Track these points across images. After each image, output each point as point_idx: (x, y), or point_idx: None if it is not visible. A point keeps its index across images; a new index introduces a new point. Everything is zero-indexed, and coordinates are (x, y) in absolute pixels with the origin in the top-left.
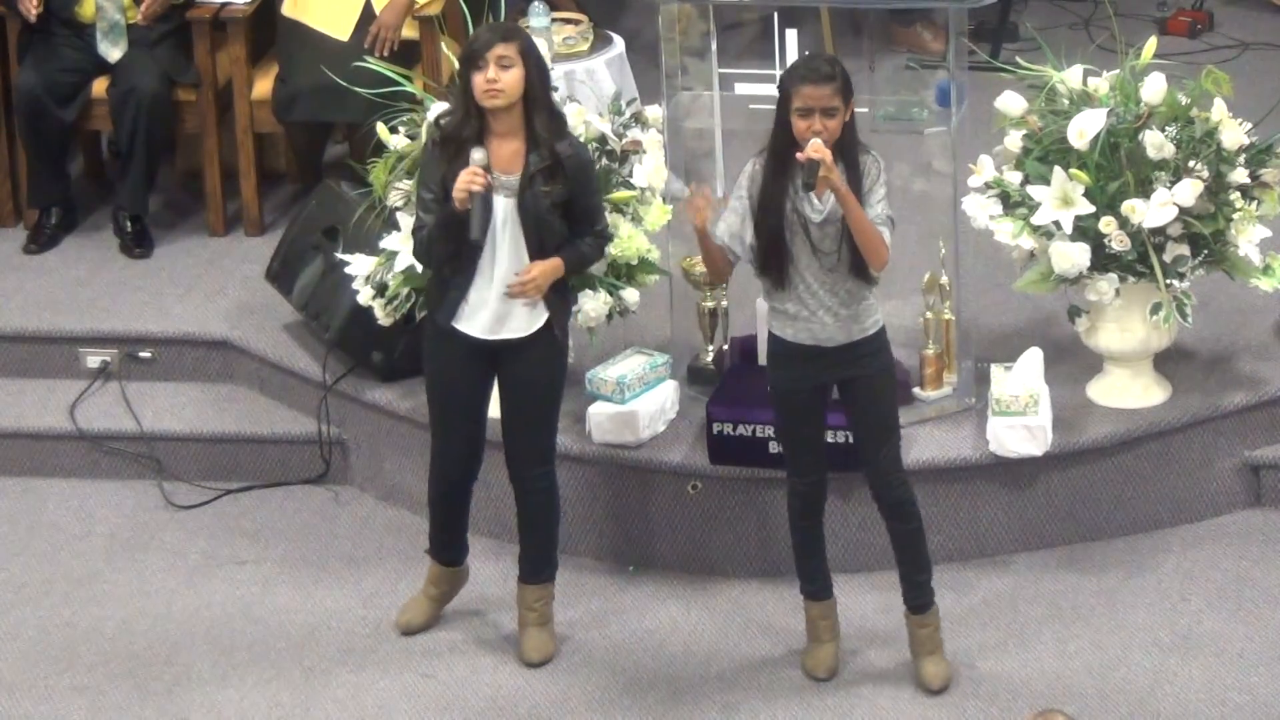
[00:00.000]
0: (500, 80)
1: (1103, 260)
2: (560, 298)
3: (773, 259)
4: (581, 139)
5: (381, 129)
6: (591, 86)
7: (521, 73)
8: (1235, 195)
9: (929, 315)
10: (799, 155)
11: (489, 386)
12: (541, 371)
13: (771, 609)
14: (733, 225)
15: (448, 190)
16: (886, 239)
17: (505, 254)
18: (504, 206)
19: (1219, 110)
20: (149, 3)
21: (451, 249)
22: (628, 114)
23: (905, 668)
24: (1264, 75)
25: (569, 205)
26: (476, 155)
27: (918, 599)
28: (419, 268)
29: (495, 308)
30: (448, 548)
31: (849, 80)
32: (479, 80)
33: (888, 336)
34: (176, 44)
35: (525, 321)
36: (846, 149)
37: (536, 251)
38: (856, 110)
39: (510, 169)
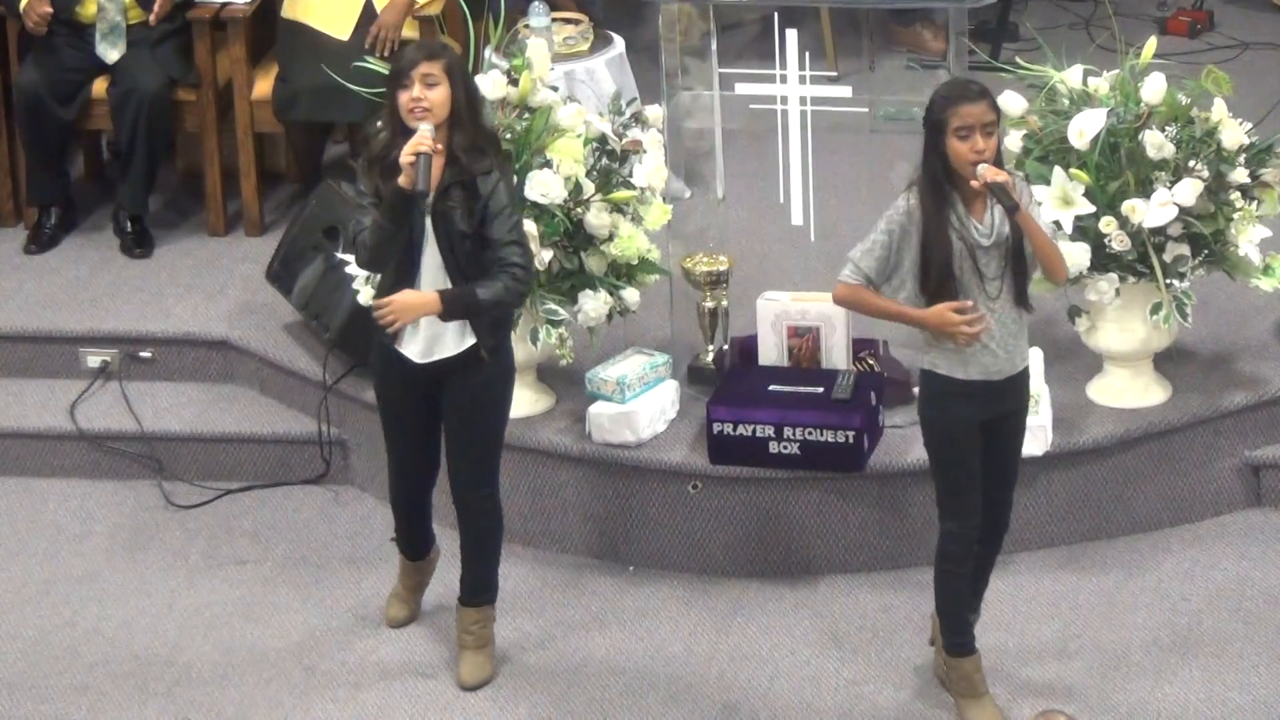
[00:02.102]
0: (425, 99)
1: (1103, 260)
2: (489, 322)
3: (946, 294)
4: (581, 139)
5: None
6: (591, 86)
7: (448, 90)
8: (1235, 195)
9: None
10: (975, 183)
11: (434, 406)
12: (479, 395)
13: (771, 609)
14: (881, 261)
15: (383, 198)
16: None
17: (428, 270)
18: (424, 223)
19: (1219, 110)
20: (161, 4)
21: (396, 237)
22: (628, 114)
23: (906, 667)
24: (1264, 75)
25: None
26: (425, 128)
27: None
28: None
29: (426, 330)
30: (412, 545)
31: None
32: (404, 99)
33: None
34: (177, 44)
35: (455, 341)
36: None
37: (454, 269)
38: (857, 110)
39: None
